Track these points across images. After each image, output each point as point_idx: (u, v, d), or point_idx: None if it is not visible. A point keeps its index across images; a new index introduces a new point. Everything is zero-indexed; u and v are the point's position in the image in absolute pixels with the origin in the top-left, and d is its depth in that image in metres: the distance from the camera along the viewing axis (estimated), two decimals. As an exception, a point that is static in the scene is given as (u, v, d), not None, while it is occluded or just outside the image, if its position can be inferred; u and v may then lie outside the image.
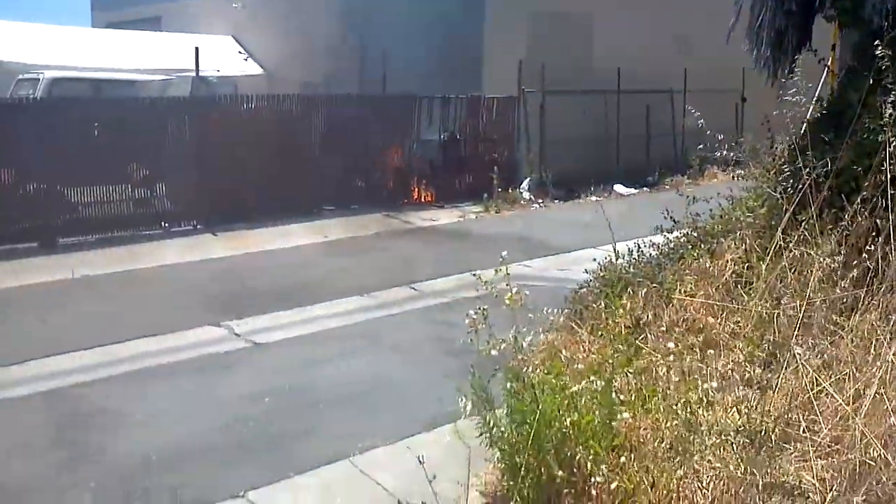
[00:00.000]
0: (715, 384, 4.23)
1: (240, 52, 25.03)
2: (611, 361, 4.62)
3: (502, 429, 3.99)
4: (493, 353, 4.46)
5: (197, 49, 14.58)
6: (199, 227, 13.93)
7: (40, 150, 12.60)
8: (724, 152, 7.21)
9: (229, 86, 18.82)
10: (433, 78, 18.52)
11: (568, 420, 3.76)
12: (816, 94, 6.71)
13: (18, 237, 12.31)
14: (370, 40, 21.86)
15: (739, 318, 5.07)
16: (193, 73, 14.98)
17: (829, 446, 3.69)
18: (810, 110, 6.90)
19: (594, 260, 6.79)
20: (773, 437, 3.78)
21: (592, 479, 3.65)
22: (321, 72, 22.36)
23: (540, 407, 3.72)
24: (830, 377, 4.04)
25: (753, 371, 4.45)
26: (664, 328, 5.17)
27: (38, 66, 18.84)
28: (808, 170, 5.11)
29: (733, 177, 6.82)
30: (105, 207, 13.32)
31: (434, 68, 18.88)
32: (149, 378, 7.30)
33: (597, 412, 3.83)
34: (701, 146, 6.50)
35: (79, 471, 5.56)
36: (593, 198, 18.26)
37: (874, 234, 4.77)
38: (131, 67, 20.68)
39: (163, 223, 13.78)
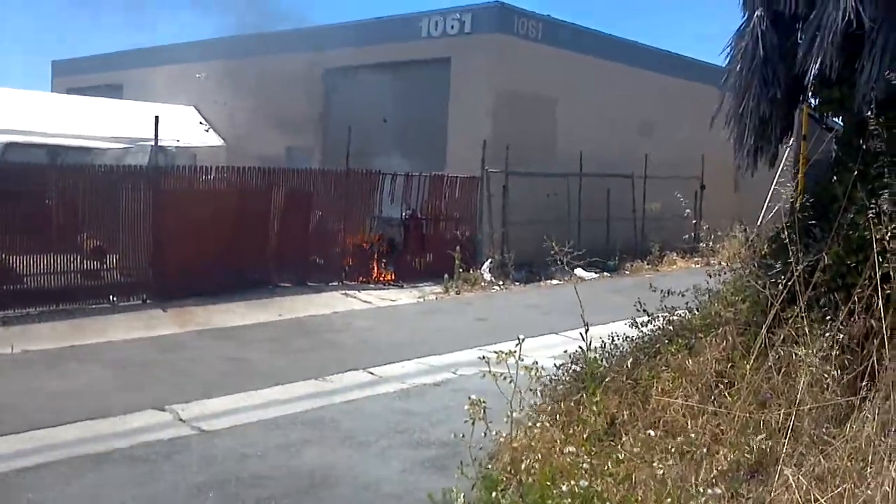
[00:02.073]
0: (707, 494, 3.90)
1: (201, 123, 24.86)
2: (586, 466, 4.29)
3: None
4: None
5: (157, 118, 14.27)
6: (148, 301, 13.42)
7: (-15, 217, 12.13)
8: (690, 242, 7.02)
9: (188, 156, 18.58)
10: (396, 154, 18.45)
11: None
12: (796, 185, 6.58)
13: (-44, 308, 11.72)
14: (334, 115, 21.86)
15: (721, 422, 4.76)
16: (152, 143, 14.65)
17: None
18: (766, 199, 6.77)
19: (565, 351, 6.47)
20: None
21: None
22: (283, 145, 22.24)
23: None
24: (825, 493, 3.73)
25: (740, 482, 4.12)
26: (641, 429, 4.84)
27: (-8, 130, 18.42)
28: (793, 265, 4.88)
29: (708, 274, 6.54)
30: (52, 279, 12.76)
31: (398, 145, 18.82)
32: (86, 466, 6.76)
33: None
34: (662, 234, 6.25)
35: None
36: (554, 281, 18.09)
37: (868, 335, 4.53)
38: (89, 134, 20.37)
39: (111, 297, 13.23)
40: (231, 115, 24.16)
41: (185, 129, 23.11)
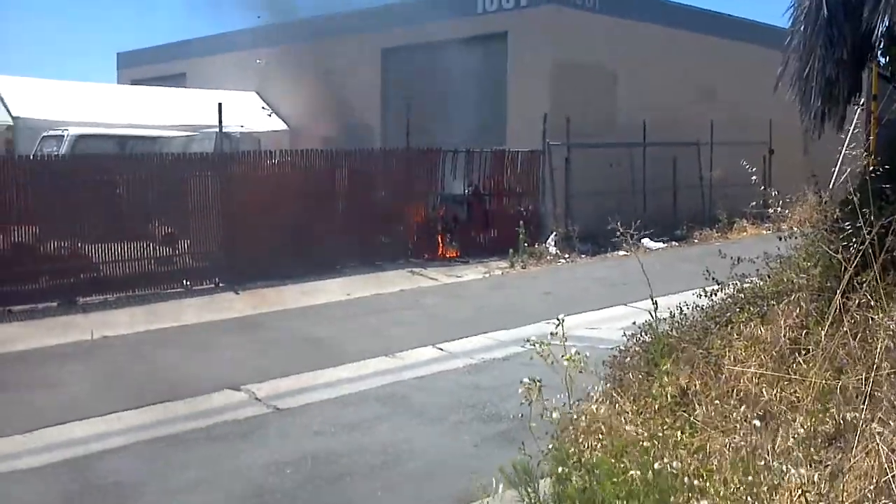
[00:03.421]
0: (773, 463, 3.85)
1: (263, 108, 25.12)
2: (660, 437, 4.27)
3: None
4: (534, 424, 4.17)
5: (220, 105, 14.49)
6: (221, 284, 13.71)
7: (62, 207, 12.50)
8: (763, 207, 6.88)
9: (253, 141, 18.82)
10: (457, 131, 18.40)
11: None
12: (868, 146, 6.39)
13: (38, 296, 12.11)
14: (394, 95, 21.91)
15: (797, 389, 4.69)
16: (217, 129, 14.88)
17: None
18: (838, 162, 6.60)
19: (633, 322, 6.41)
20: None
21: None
22: (345, 126, 22.37)
23: (596, 495, 3.35)
24: (908, 459, 3.65)
25: (818, 449, 4.06)
26: (715, 399, 4.79)
27: (63, 123, 18.89)
28: (866, 227, 4.75)
29: (779, 237, 6.42)
30: (126, 265, 13.13)
31: (458, 121, 18.77)
32: (166, 447, 6.97)
33: (655, 498, 3.47)
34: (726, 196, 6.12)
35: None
36: (620, 252, 17.92)
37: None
38: (155, 124, 20.75)
39: (185, 281, 13.55)
40: (292, 96, 24.39)
41: (249, 114, 23.37)
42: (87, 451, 6.88)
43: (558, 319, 4.11)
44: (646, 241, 18.88)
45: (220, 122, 14.59)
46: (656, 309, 5.61)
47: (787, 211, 6.79)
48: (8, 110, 20.16)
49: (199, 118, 19.84)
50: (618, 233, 5.82)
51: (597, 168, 18.77)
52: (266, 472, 6.34)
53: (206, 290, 13.59)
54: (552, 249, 17.70)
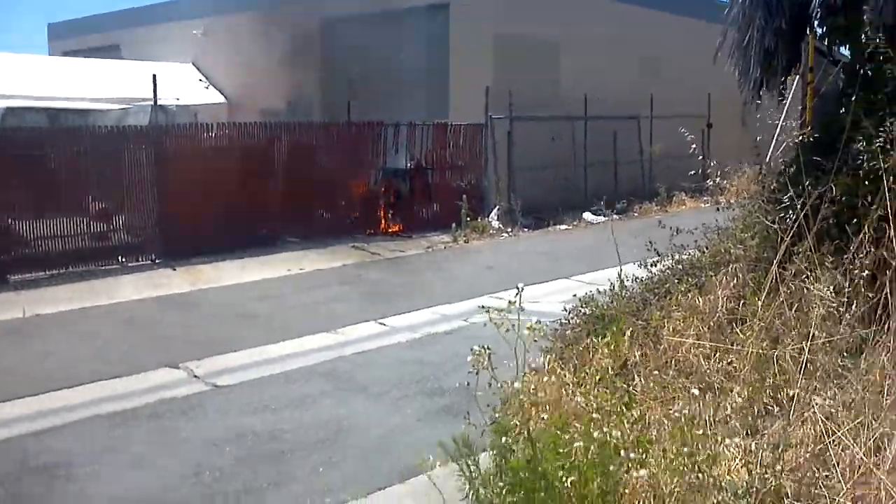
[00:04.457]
0: (711, 432, 3.89)
1: (200, 80, 24.64)
2: (599, 409, 4.28)
3: (493, 489, 3.59)
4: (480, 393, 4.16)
5: (154, 77, 14.13)
6: (157, 261, 13.45)
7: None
8: (700, 180, 6.95)
9: (189, 114, 18.46)
10: (400, 104, 18.26)
11: (569, 481, 3.38)
12: (804, 118, 6.46)
13: (-35, 274, 11.74)
14: (333, 67, 21.64)
15: (734, 359, 4.74)
16: (152, 102, 14.53)
17: (849, 505, 3.36)
18: (775, 134, 6.67)
19: (574, 295, 6.44)
20: (786, 494, 3.44)
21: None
22: (283, 99, 22.05)
23: (539, 467, 3.33)
24: (843, 426, 3.71)
25: (755, 418, 4.11)
26: (654, 370, 4.82)
27: (-8, 96, 18.29)
28: (802, 198, 4.80)
29: (717, 208, 6.48)
30: (59, 242, 12.78)
31: (401, 94, 18.62)
32: (102, 426, 6.81)
33: (598, 470, 3.46)
34: (666, 169, 6.16)
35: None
36: (562, 226, 18.03)
37: (879, 266, 4.47)
38: (88, 96, 20.19)
39: (120, 258, 13.26)
40: (230, 68, 23.96)
41: (185, 87, 22.91)
42: (21, 432, 6.69)
43: (517, 288, 4.08)
44: (587, 214, 19.04)
45: (155, 94, 14.26)
46: (593, 282, 5.61)
47: (725, 183, 6.86)
48: (-68, 82, 19.45)
49: (134, 91, 19.35)
50: (560, 203, 5.80)
51: (539, 142, 18.79)
52: (205, 450, 6.24)
53: (143, 266, 13.32)
54: (495, 223, 17.73)
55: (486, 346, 4.00)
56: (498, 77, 18.54)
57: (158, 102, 14.61)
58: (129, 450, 6.32)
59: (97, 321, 10.37)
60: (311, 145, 16.05)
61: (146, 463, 6.07)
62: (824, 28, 5.96)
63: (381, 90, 19.17)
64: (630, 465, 3.71)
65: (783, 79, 6.12)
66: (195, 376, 8.08)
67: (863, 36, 4.83)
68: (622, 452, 3.54)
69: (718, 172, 6.91)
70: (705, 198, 18.45)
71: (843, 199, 4.91)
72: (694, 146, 6.18)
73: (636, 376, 5.00)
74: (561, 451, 3.44)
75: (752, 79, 5.92)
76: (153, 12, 26.74)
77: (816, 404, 3.65)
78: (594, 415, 3.88)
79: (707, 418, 4.20)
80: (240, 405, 7.26)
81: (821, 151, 5.27)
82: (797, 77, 6.22)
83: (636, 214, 19.86)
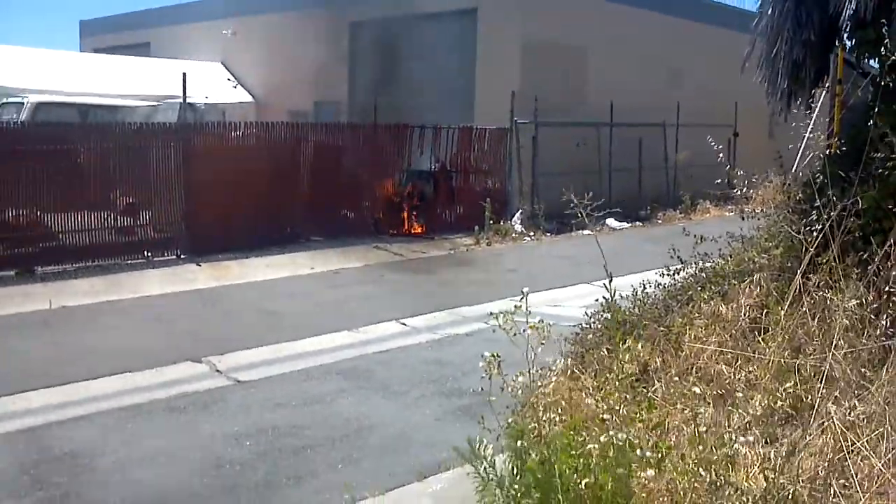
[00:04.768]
0: (740, 441, 3.90)
1: (229, 80, 24.85)
2: (618, 413, 4.30)
3: (510, 492, 3.62)
4: (494, 398, 4.18)
5: (184, 75, 14.28)
6: (182, 256, 13.58)
7: (21, 176, 12.28)
8: (726, 189, 6.94)
9: (217, 113, 18.61)
10: (426, 107, 18.33)
11: (583, 483, 3.41)
12: (831, 130, 6.45)
13: (-6, 265, 11.89)
14: (361, 69, 21.76)
15: (756, 368, 4.74)
16: (181, 100, 14.67)
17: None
18: (802, 145, 6.66)
19: (596, 300, 6.45)
20: (802, 502, 3.45)
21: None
22: (311, 100, 22.20)
23: (554, 469, 3.36)
24: (862, 436, 3.71)
25: (775, 427, 4.11)
26: (675, 377, 4.83)
27: (23, 90, 18.55)
28: (828, 209, 4.80)
29: (742, 217, 6.47)
30: (87, 235, 12.93)
31: (427, 97, 18.70)
32: (124, 418, 6.90)
33: (612, 473, 3.49)
34: (692, 177, 6.14)
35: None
36: (585, 231, 17.98)
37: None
38: (118, 93, 20.45)
39: (146, 252, 13.38)
40: (259, 69, 24.16)
41: (214, 85, 23.12)
42: (45, 421, 6.79)
43: (522, 293, 4.09)
44: (610, 220, 18.98)
45: (185, 92, 14.39)
46: (612, 288, 5.61)
47: (750, 192, 6.84)
48: (-33, 77, 19.75)
49: (163, 88, 19.58)
50: (578, 212, 5.81)
51: (564, 147, 18.79)
52: (226, 444, 6.31)
53: (168, 261, 13.43)
54: (518, 227, 17.74)
55: (496, 354, 4.03)
56: (524, 81, 18.58)
57: (187, 100, 14.75)
58: (151, 441, 6.40)
59: (122, 314, 10.50)
60: (337, 146, 16.15)
61: (167, 454, 6.14)
62: (853, 41, 5.94)
63: (407, 93, 19.24)
64: (647, 468, 3.73)
65: (811, 91, 6.10)
66: (217, 371, 8.17)
67: (883, 49, 4.80)
68: (637, 452, 3.55)
69: (745, 182, 6.90)
70: (730, 206, 18.35)
71: (869, 211, 4.91)
72: (721, 156, 6.17)
73: (656, 382, 5.01)
74: (573, 453, 3.46)
75: (780, 90, 5.91)
76: (183, 11, 27.02)
77: (835, 414, 3.64)
78: (604, 415, 3.89)
79: (726, 425, 4.21)
80: (261, 400, 7.33)
81: (847, 163, 5.26)
82: (824, 89, 6.20)
83: (660, 221, 19.81)
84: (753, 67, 6.32)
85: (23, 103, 17.81)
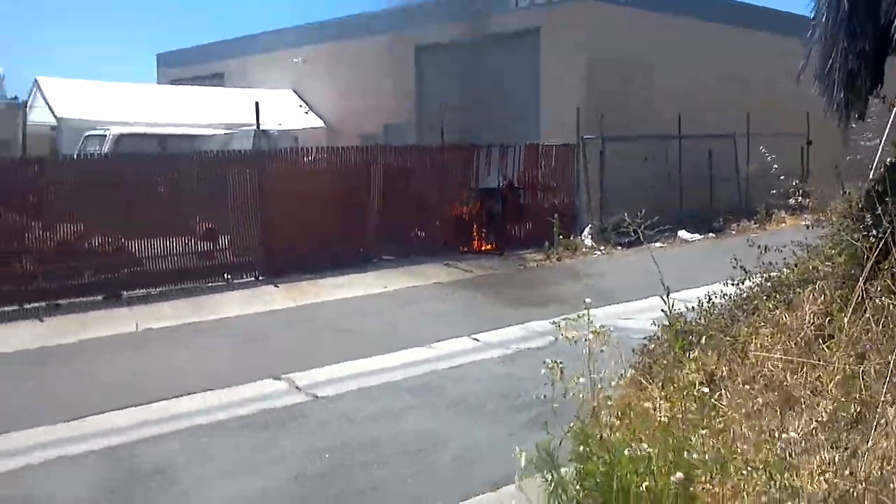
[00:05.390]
0: (798, 444, 3.97)
1: (300, 106, 25.47)
2: (682, 419, 4.40)
3: (573, 494, 3.77)
4: (557, 406, 4.31)
5: (257, 104, 14.76)
6: (260, 278, 13.99)
7: (106, 205, 12.85)
8: (794, 198, 6.94)
9: (290, 139, 19.14)
10: (492, 127, 18.54)
11: (644, 486, 3.53)
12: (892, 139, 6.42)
13: (83, 290, 12.43)
14: (428, 92, 22.10)
15: (821, 375, 4.78)
16: (255, 127, 15.16)
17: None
18: (877, 154, 6.62)
19: (662, 311, 6.53)
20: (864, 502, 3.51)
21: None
22: (380, 123, 22.61)
23: (615, 471, 3.50)
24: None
25: (839, 432, 4.16)
26: (741, 384, 4.90)
27: (105, 123, 19.33)
28: (889, 216, 4.83)
29: (807, 226, 6.49)
30: (169, 261, 13.43)
31: (493, 117, 18.90)
32: (208, 434, 7.21)
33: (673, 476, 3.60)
34: (773, 192, 6.16)
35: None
36: (657, 244, 17.93)
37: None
38: (195, 122, 21.14)
39: (225, 275, 13.83)
40: (329, 94, 24.71)
41: (286, 112, 23.73)
42: (132, 439, 7.12)
43: (584, 303, 4.24)
44: (682, 233, 18.91)
45: (258, 120, 14.89)
46: (668, 294, 5.70)
47: (827, 201, 6.81)
48: (52, 111, 20.69)
49: (238, 117, 20.20)
50: (633, 228, 5.92)
51: (632, 161, 18.77)
52: (304, 458, 6.55)
53: (247, 283, 13.85)
54: (588, 241, 17.79)
55: (557, 361, 4.17)
56: (589, 98, 18.67)
57: (261, 127, 15.22)
58: (232, 456, 6.69)
59: (204, 335, 10.91)
60: (406, 168, 16.44)
61: (248, 468, 6.41)
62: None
63: (474, 112, 19.48)
64: (710, 473, 3.83)
65: (866, 100, 6.09)
66: (296, 387, 8.45)
67: None
68: (695, 456, 3.65)
69: (819, 191, 6.91)
70: (806, 216, 18.08)
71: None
72: (776, 166, 6.21)
73: (722, 390, 5.08)
74: (634, 456, 3.58)
75: (837, 101, 5.92)
76: (256, 42, 27.81)
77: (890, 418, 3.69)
78: (662, 417, 4.00)
79: (791, 432, 4.27)
80: (338, 415, 7.58)
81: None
82: (880, 99, 6.16)
83: (734, 232, 19.62)
84: (809, 77, 6.34)
85: (105, 135, 18.58)
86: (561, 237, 16.98)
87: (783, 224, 20.09)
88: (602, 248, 17.49)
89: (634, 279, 13.84)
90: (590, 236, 17.98)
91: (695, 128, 20.19)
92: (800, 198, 7.03)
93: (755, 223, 20.20)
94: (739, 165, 21.76)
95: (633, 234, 5.99)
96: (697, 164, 20.70)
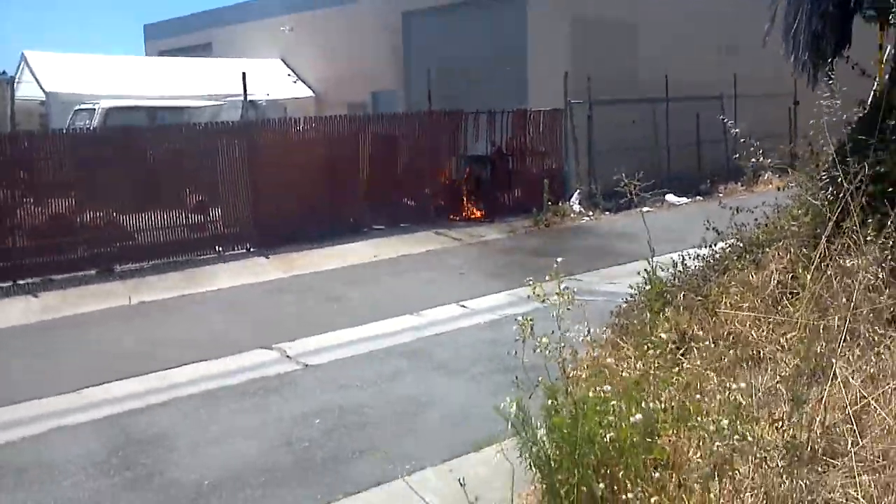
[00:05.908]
0: (756, 398, 4.17)
1: (289, 75, 25.44)
2: (652, 375, 4.60)
3: (542, 447, 3.98)
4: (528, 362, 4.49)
5: (244, 74, 14.82)
6: (252, 250, 14.14)
7: (96, 179, 12.96)
8: (774, 159, 7.09)
9: (279, 109, 19.18)
10: (479, 93, 18.60)
11: (608, 436, 3.74)
12: (870, 97, 6.54)
13: (76, 265, 12.59)
14: (415, 58, 22.10)
15: (786, 331, 4.99)
16: (243, 98, 15.23)
17: (875, 461, 3.61)
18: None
19: (638, 273, 6.74)
20: (817, 452, 3.72)
21: (630, 496, 3.63)
22: (368, 91, 22.64)
23: (580, 423, 3.71)
24: (877, 389, 3.96)
25: (799, 386, 4.37)
26: (709, 342, 5.10)
27: (94, 97, 19.35)
28: (849, 175, 4.99)
29: (779, 188, 6.68)
30: (160, 234, 13.58)
31: (480, 83, 18.95)
32: (201, 403, 7.43)
33: (637, 427, 3.80)
34: (758, 152, 6.26)
35: (140, 490, 5.73)
36: (644, 209, 18.06)
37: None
38: (183, 94, 21.15)
39: (216, 247, 13.98)
40: (317, 63, 24.70)
41: (274, 82, 23.73)
42: (128, 408, 7.36)
43: (570, 270, 4.41)
44: (670, 196, 19.04)
45: (245, 90, 14.94)
46: (653, 256, 5.88)
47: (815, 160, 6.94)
48: (41, 86, 20.69)
49: (226, 87, 20.18)
50: (633, 189, 6.09)
51: (619, 125, 18.84)
52: (295, 423, 6.78)
53: (238, 255, 14.00)
54: (576, 207, 17.93)
55: (528, 318, 4.35)
56: (576, 61, 18.69)
57: (249, 98, 15.28)
58: (225, 423, 6.92)
59: (196, 307, 11.11)
60: (394, 136, 16.53)
61: (241, 434, 6.64)
62: (873, 9, 6.03)
63: (460, 79, 19.55)
64: (675, 426, 4.04)
65: (832, 61, 6.22)
66: (287, 356, 8.66)
67: (891, 16, 4.92)
68: (659, 406, 3.85)
69: (809, 149, 7.03)
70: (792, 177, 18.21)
71: (888, 175, 5.07)
72: (735, 130, 6.36)
73: (693, 348, 5.28)
74: (600, 409, 3.79)
75: (802, 62, 6.05)
76: (243, 10, 27.71)
77: (841, 368, 3.89)
78: (624, 373, 4.19)
79: (755, 386, 4.48)
80: (328, 382, 7.80)
81: (868, 130, 5.42)
82: (845, 59, 6.28)
83: (721, 195, 19.69)
84: (774, 39, 6.45)
85: (94, 109, 18.62)
86: (550, 203, 17.11)
87: (770, 186, 20.19)
88: (591, 213, 17.65)
89: (622, 243, 14.08)
90: (578, 202, 18.11)
91: (682, 90, 20.23)
92: (794, 159, 7.17)
93: (742, 185, 20.31)
94: (727, 128, 21.81)
95: (627, 194, 6.11)
96: (685, 127, 20.77)
